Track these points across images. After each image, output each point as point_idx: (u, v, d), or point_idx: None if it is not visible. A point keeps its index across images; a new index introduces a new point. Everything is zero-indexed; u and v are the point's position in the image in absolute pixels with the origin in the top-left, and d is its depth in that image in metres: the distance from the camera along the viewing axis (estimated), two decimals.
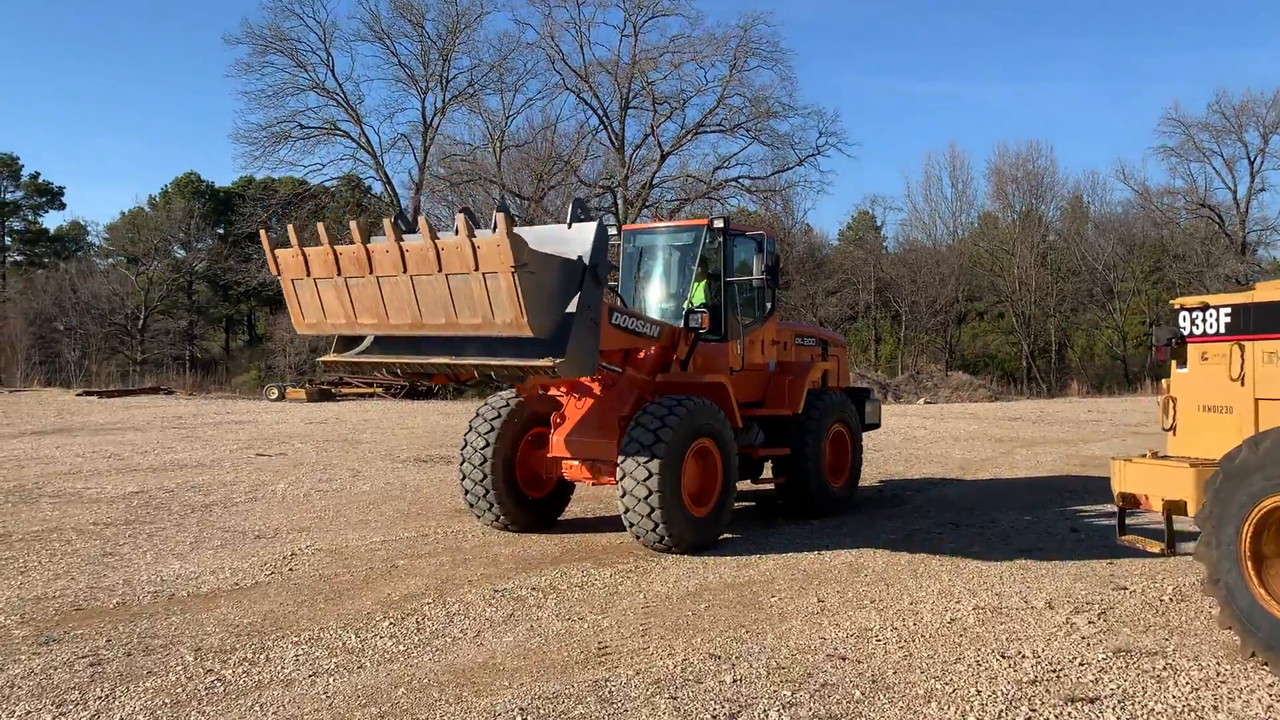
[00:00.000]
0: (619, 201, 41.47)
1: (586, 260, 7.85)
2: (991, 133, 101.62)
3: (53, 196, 63.51)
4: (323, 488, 13.29)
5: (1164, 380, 7.74)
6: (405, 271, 7.70)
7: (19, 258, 63.33)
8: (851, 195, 77.45)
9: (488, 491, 9.84)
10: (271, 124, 43.03)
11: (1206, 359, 6.87)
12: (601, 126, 45.02)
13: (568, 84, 43.92)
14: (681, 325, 10.03)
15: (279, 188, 47.67)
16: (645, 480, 8.69)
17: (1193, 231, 54.57)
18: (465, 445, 10.04)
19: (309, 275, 8.31)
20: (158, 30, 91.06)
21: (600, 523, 10.70)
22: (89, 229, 64.32)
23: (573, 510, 11.12)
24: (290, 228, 8.67)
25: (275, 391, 38.81)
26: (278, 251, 8.44)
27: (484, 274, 7.28)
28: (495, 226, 7.06)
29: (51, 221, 65.31)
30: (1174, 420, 7.08)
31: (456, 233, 7.41)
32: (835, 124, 59.17)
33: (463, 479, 9.99)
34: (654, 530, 8.83)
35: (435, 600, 7.40)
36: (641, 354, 9.88)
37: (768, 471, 11.33)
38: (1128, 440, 19.92)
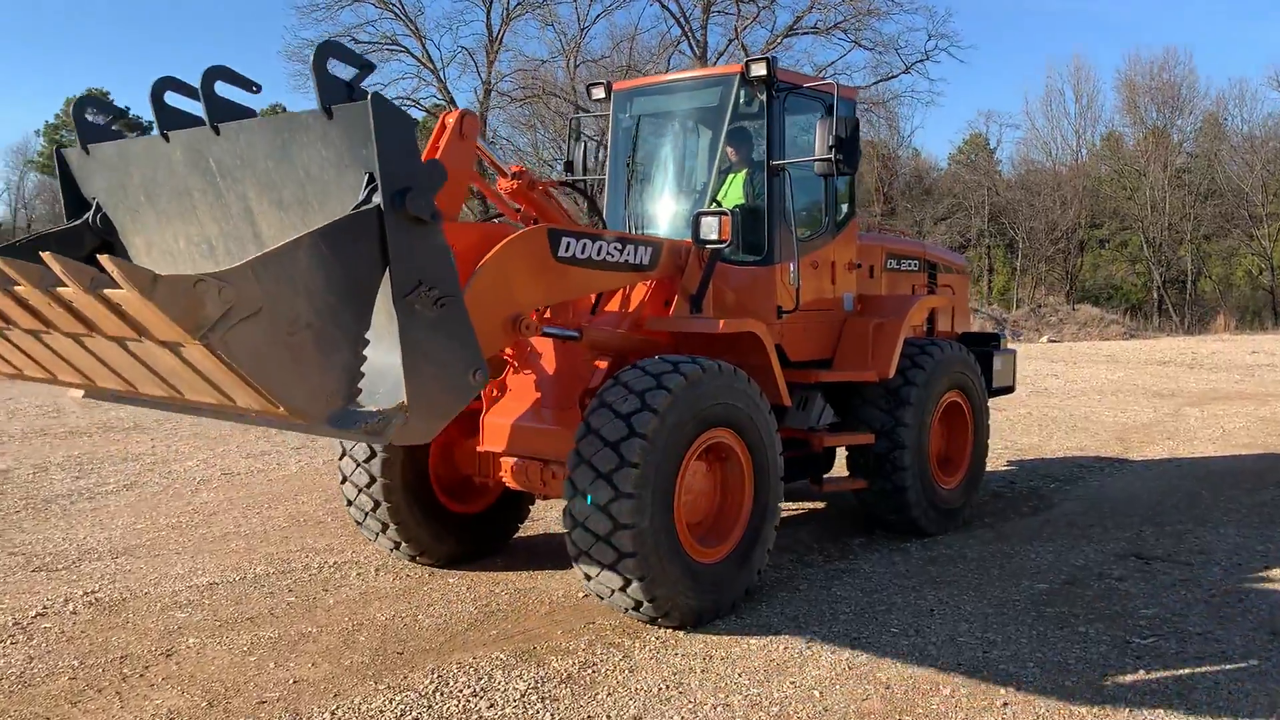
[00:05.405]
0: None
1: (379, 189, 3.62)
2: (1119, 46, 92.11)
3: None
4: (240, 468, 9.84)
5: None
6: (55, 329, 3.64)
7: None
8: (964, 113, 70.24)
9: (379, 503, 6.12)
10: (324, 39, 39.51)
11: None
12: (683, 36, 40.41)
13: None
14: (690, 239, 6.11)
15: None
16: (609, 504, 4.90)
17: None
18: None
19: None
20: None
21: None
22: None
23: (538, 524, 7.45)
24: None
25: None
26: None
27: (163, 343, 3.24)
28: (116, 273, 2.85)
29: None
30: None
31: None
32: (947, 24, 52.78)
33: (343, 480, 6.27)
34: (623, 590, 5.06)
35: None
36: (623, 297, 6.09)
37: (839, 467, 7.42)
38: None
